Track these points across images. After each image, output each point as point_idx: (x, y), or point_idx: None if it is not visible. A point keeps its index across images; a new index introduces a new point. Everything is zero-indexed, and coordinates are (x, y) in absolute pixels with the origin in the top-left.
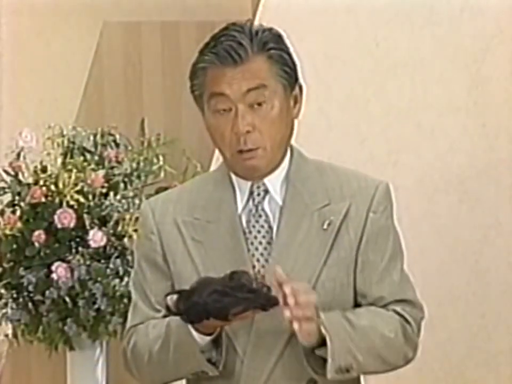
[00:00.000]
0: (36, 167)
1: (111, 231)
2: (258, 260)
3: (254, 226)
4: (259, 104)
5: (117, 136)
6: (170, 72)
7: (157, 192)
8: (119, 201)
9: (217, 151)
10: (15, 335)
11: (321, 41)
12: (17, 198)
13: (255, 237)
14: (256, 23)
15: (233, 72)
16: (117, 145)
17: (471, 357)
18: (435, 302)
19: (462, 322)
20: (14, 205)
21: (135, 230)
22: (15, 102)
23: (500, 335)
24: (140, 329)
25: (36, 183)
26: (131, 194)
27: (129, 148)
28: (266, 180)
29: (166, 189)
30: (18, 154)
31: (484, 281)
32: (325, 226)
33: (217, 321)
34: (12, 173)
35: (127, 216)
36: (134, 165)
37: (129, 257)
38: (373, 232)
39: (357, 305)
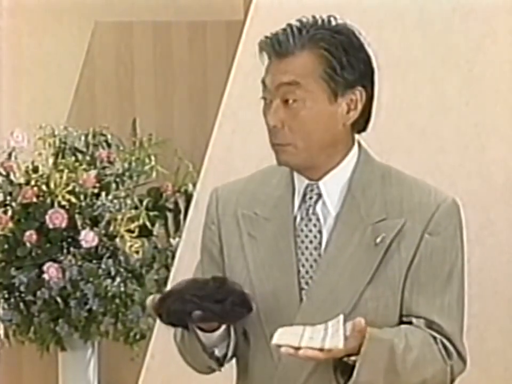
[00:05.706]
0: (27, 167)
1: (103, 231)
2: (303, 265)
3: (302, 230)
4: (294, 101)
5: (109, 136)
6: (162, 72)
7: (149, 192)
8: (111, 201)
9: (209, 151)
10: (6, 335)
11: None
12: (8, 198)
13: (302, 241)
14: (247, 23)
15: (278, 64)
16: (109, 145)
17: None
18: None
19: None
20: (5, 205)
21: (127, 231)
22: (6, 102)
23: (492, 335)
24: None
25: (27, 183)
26: (123, 194)
27: (121, 148)
28: (321, 183)
29: (158, 189)
30: (10, 154)
31: (475, 281)
32: (377, 241)
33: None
34: (3, 173)
35: (119, 216)
36: (126, 165)
37: (121, 258)
38: (427, 254)
39: (402, 323)
